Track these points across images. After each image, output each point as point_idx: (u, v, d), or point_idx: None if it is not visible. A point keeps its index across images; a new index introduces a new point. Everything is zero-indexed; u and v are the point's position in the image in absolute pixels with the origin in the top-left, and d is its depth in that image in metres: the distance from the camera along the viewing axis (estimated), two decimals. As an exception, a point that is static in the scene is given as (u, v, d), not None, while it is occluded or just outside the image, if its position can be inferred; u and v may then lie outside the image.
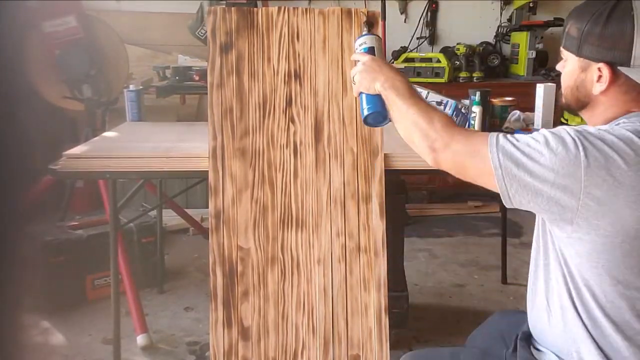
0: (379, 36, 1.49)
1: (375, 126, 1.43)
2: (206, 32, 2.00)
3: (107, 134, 2.41)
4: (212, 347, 1.83)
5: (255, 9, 1.91)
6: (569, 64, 1.24)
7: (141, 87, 2.69)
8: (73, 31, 2.81)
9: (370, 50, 1.42)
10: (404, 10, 4.52)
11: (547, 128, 1.19)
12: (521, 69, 4.26)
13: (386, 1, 4.04)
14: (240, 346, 1.84)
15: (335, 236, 1.87)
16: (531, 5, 4.28)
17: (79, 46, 2.84)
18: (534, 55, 4.21)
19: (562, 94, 1.29)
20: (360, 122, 1.88)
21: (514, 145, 1.14)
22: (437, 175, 4.27)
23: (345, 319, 1.86)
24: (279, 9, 1.90)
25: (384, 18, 3.85)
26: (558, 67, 1.30)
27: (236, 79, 1.87)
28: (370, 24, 1.53)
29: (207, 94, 1.88)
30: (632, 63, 1.13)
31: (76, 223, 3.00)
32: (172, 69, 3.06)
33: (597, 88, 1.18)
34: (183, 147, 2.06)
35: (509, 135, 1.17)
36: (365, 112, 1.36)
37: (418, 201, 4.25)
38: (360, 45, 1.45)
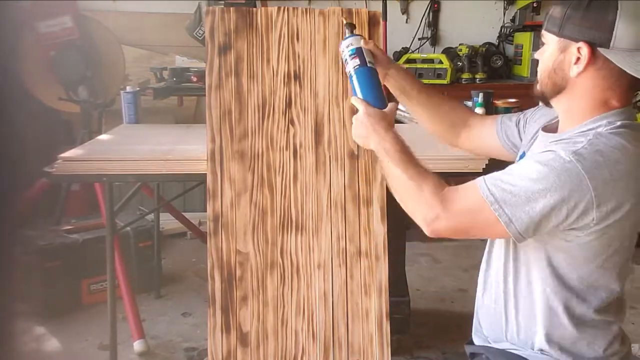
0: (362, 35, 1.47)
1: None
2: (204, 32, 2.00)
3: (103, 136, 2.40)
4: (211, 353, 1.81)
5: (254, 9, 1.91)
6: (547, 47, 1.23)
7: (138, 88, 2.68)
8: (68, 32, 2.82)
9: (358, 52, 1.40)
10: (405, 10, 4.50)
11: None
12: (525, 70, 4.23)
13: (387, 1, 4.02)
14: (239, 352, 1.82)
15: (335, 240, 1.86)
16: (535, 5, 4.25)
17: (74, 47, 2.85)
18: (537, 56, 4.19)
19: (538, 80, 1.28)
20: None
21: (507, 182, 1.13)
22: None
23: (345, 324, 1.85)
24: (279, 9, 1.89)
25: (385, 18, 3.83)
26: (536, 55, 1.29)
27: (235, 81, 1.86)
28: (352, 25, 1.51)
29: (205, 95, 1.87)
30: (612, 44, 1.12)
31: (72, 227, 2.99)
32: (170, 70, 3.05)
33: (575, 70, 1.17)
34: (181, 149, 2.05)
35: (496, 175, 1.16)
36: None
37: (420, 204, 4.22)
38: (347, 48, 1.43)
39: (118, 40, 3.08)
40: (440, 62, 4.08)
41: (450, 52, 4.31)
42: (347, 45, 1.43)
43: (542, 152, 1.16)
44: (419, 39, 4.51)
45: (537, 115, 1.42)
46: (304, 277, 1.85)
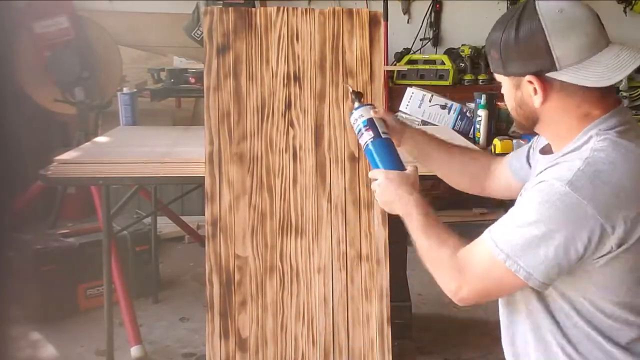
0: (371, 104, 1.46)
1: None
2: (202, 33, 1.99)
3: (99, 138, 2.40)
4: (209, 359, 1.80)
5: (253, 9, 1.91)
6: (504, 86, 1.22)
7: (135, 90, 2.68)
8: (64, 32, 2.83)
9: (370, 123, 1.39)
10: (406, 11, 4.48)
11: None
12: (528, 71, 4.22)
13: (388, 1, 4.00)
14: (238, 358, 1.82)
15: (335, 244, 1.86)
16: (538, 5, 4.25)
17: (70, 48, 2.86)
18: (541, 57, 4.18)
19: (513, 117, 1.26)
20: None
21: (512, 233, 1.10)
22: (441, 182, 4.24)
23: (346, 329, 1.85)
24: (278, 9, 1.89)
25: (386, 18, 3.83)
26: (502, 90, 1.27)
27: (233, 82, 1.86)
28: (359, 93, 1.49)
29: (203, 97, 1.86)
30: (558, 66, 1.10)
31: (68, 230, 2.99)
32: (167, 72, 3.04)
33: (537, 101, 1.14)
34: (178, 152, 2.05)
35: (501, 226, 1.13)
36: None
37: (422, 208, 4.21)
38: (357, 120, 1.42)
39: (115, 41, 3.08)
40: (442, 63, 4.06)
41: (452, 53, 4.29)
42: (357, 118, 1.42)
43: (537, 185, 1.12)
44: (421, 39, 4.50)
45: (540, 141, 1.37)
46: (304, 281, 1.85)
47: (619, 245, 1.07)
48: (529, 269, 1.08)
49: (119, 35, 3.45)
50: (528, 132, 1.26)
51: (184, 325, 2.81)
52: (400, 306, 2.31)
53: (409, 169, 1.34)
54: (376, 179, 1.36)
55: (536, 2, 1.12)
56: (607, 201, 1.05)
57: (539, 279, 1.08)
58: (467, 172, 1.54)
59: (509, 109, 1.24)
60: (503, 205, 4.04)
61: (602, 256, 1.08)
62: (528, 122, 1.21)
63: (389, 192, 1.32)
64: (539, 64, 1.11)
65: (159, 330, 2.76)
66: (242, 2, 2.89)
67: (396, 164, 1.36)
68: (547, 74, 1.11)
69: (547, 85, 1.12)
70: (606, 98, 1.14)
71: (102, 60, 2.98)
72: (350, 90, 1.50)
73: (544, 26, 1.09)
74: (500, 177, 1.48)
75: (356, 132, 1.43)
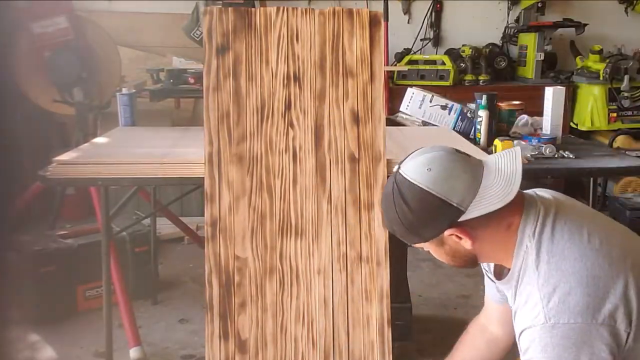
0: None
1: None
2: (202, 33, 2.00)
3: (98, 139, 2.39)
4: None
5: (252, 9, 1.92)
6: (429, 249, 1.27)
7: (134, 90, 2.66)
8: (63, 32, 2.82)
9: None
10: (407, 11, 4.47)
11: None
12: (529, 71, 4.21)
13: (389, 1, 3.99)
14: (238, 359, 1.81)
15: (335, 245, 1.86)
16: (539, 5, 4.23)
17: (69, 48, 2.85)
18: (542, 58, 4.16)
19: (452, 266, 1.32)
20: (361, 126, 1.89)
21: None
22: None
23: (346, 331, 1.85)
24: (278, 9, 1.90)
25: (386, 18, 3.82)
26: (429, 251, 1.31)
27: (233, 82, 1.86)
28: None
29: (202, 97, 1.87)
30: (463, 208, 1.15)
31: (66, 232, 2.97)
32: (167, 72, 3.03)
33: (467, 244, 1.20)
34: (178, 152, 2.05)
35: None
36: None
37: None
38: None
39: (114, 41, 3.07)
40: (443, 63, 4.05)
41: (453, 53, 4.29)
42: None
43: (523, 336, 1.14)
44: (421, 39, 4.49)
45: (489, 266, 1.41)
46: (304, 282, 1.86)
47: (635, 332, 1.09)
48: None
49: (118, 35, 3.44)
50: (474, 267, 1.31)
51: (183, 327, 2.79)
52: (401, 307, 2.30)
53: None
54: None
55: (403, 174, 1.18)
56: (590, 304, 1.08)
57: None
58: (484, 350, 1.55)
59: (447, 263, 1.29)
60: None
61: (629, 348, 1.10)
62: (469, 263, 1.26)
63: None
64: (448, 217, 1.16)
65: (158, 331, 2.75)
66: (242, 2, 2.89)
67: None
68: (459, 220, 1.16)
69: (465, 228, 1.17)
70: (512, 203, 1.17)
71: (101, 60, 2.97)
72: None
73: (427, 189, 1.15)
74: (499, 316, 1.49)
75: None
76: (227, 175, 1.83)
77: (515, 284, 1.20)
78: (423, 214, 1.17)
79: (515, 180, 1.16)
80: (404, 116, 2.52)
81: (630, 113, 3.90)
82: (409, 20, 4.50)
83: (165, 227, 3.65)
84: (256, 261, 1.84)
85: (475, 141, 2.22)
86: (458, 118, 2.37)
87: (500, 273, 1.31)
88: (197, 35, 2.99)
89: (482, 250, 1.22)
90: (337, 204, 1.86)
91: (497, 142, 2.03)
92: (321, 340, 1.84)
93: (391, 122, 2.53)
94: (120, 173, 1.90)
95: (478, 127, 2.18)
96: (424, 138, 2.31)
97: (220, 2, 2.88)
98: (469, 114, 2.35)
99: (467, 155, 1.22)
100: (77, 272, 2.82)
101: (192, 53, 3.44)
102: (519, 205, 1.19)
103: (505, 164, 1.18)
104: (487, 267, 1.39)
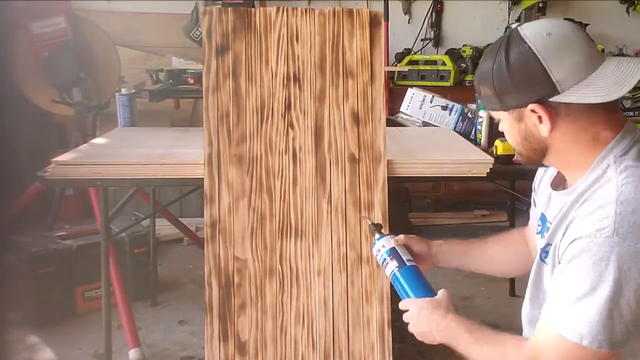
0: (391, 234, 1.43)
1: None
2: (201, 33, 2.00)
3: (97, 139, 2.39)
4: None
5: (252, 9, 1.91)
6: (504, 122, 1.17)
7: (133, 90, 2.67)
8: (62, 32, 2.82)
9: (393, 252, 1.36)
10: (407, 11, 4.47)
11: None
12: (531, 71, 4.22)
13: (389, 1, 3.99)
14: None
15: (336, 246, 1.86)
16: (540, 5, 4.22)
17: (68, 48, 2.85)
18: (543, 57, 4.16)
19: (517, 152, 1.22)
20: (362, 126, 1.89)
21: (583, 312, 1.03)
22: (442, 183, 4.23)
23: (346, 332, 1.85)
24: (278, 9, 1.89)
25: (386, 19, 3.82)
26: (500, 128, 1.22)
27: (233, 83, 1.86)
28: (378, 225, 1.46)
29: (202, 98, 1.87)
30: (560, 89, 1.06)
31: (65, 233, 2.97)
32: (166, 72, 3.02)
33: (544, 130, 1.10)
34: (177, 153, 2.04)
35: (565, 311, 1.05)
36: None
37: (422, 210, 4.20)
38: (379, 252, 1.38)
39: (113, 41, 3.08)
40: (444, 63, 4.05)
41: (453, 54, 4.28)
42: (379, 249, 1.39)
43: (577, 243, 1.05)
44: (422, 40, 4.49)
45: (539, 176, 1.34)
46: (304, 284, 1.86)
47: None
48: (612, 338, 1.02)
49: (117, 35, 3.44)
50: (537, 164, 1.21)
51: (182, 328, 2.79)
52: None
53: (440, 293, 1.28)
54: (407, 310, 1.29)
55: (519, 29, 1.09)
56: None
57: (623, 339, 1.03)
58: (509, 258, 1.48)
59: (513, 144, 1.19)
60: (504, 207, 4.06)
61: None
62: (537, 154, 1.16)
63: (424, 322, 1.25)
64: (540, 90, 1.06)
65: (158, 333, 2.75)
66: (242, 2, 2.88)
67: (425, 290, 1.30)
68: (551, 99, 1.07)
69: (552, 111, 1.07)
70: (612, 117, 1.10)
71: (100, 60, 2.97)
72: (369, 223, 1.46)
73: (535, 52, 1.05)
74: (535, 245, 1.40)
75: (381, 264, 1.39)
76: (226, 176, 1.83)
77: (581, 193, 1.10)
78: (517, 77, 1.08)
79: (628, 84, 1.05)
80: (404, 117, 2.52)
81: (631, 114, 3.90)
82: (409, 21, 4.50)
83: (164, 228, 3.66)
84: (256, 262, 1.84)
85: (476, 142, 2.21)
86: (459, 118, 2.37)
87: (557, 185, 1.22)
88: (197, 36, 2.98)
89: (556, 145, 1.12)
90: (337, 205, 1.86)
91: (497, 142, 2.02)
92: (321, 342, 1.83)
93: (391, 122, 2.53)
94: (119, 174, 1.90)
95: (479, 127, 2.17)
96: (425, 138, 2.31)
97: (220, 2, 2.87)
98: (469, 115, 2.34)
99: (591, 42, 1.10)
100: (76, 274, 2.82)
101: (192, 53, 3.43)
102: (616, 124, 1.10)
103: (626, 68, 1.07)
104: (538, 185, 1.32)
